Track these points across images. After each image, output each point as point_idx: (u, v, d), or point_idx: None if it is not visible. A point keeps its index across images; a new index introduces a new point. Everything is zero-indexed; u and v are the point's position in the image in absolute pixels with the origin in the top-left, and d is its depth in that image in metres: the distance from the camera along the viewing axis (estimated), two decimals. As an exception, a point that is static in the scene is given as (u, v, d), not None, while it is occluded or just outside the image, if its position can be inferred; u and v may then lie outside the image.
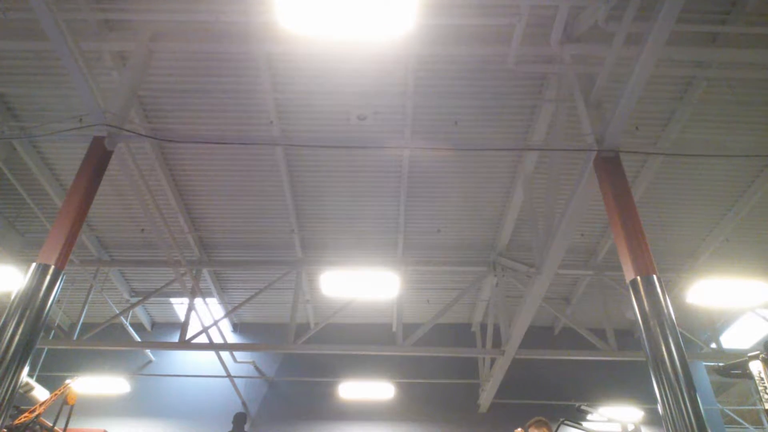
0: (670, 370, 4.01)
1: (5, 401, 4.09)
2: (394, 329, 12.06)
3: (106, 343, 10.93)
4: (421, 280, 11.16)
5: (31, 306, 4.46)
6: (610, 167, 5.36)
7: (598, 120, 5.71)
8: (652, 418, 11.23)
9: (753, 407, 13.46)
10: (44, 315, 4.53)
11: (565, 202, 6.38)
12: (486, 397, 11.06)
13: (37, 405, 8.22)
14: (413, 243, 10.10)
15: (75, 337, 9.77)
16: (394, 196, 9.06)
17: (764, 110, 7.47)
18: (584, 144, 5.70)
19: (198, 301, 10.42)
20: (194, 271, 10.35)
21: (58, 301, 9.90)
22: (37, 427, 8.26)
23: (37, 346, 5.39)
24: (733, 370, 4.95)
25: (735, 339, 12.60)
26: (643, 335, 4.27)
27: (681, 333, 4.44)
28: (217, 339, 10.88)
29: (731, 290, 7.58)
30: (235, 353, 12.05)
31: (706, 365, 12.38)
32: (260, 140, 7.76)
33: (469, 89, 7.31)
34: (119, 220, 9.71)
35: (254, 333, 12.91)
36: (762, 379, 4.62)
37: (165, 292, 10.82)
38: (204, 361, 12.22)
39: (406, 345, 9.26)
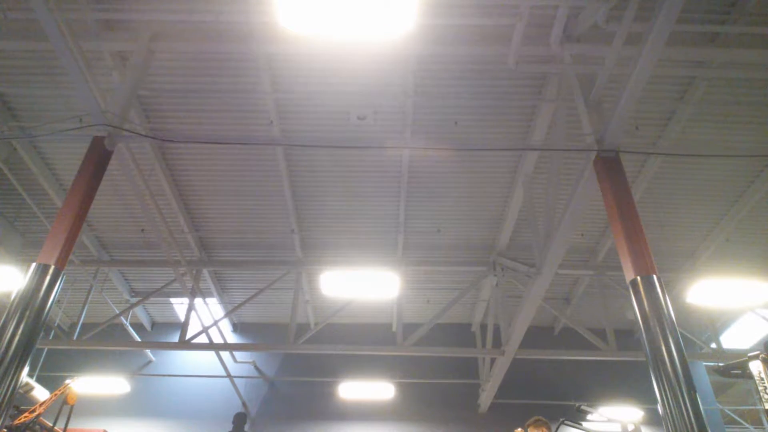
0: (670, 370, 4.01)
1: (5, 401, 4.09)
2: (394, 329, 12.07)
3: (106, 343, 10.93)
4: (421, 280, 11.15)
5: (31, 306, 4.46)
6: (610, 167, 5.36)
7: (598, 120, 5.71)
8: (652, 418, 11.23)
9: (753, 407, 13.46)
10: (44, 315, 4.53)
11: (565, 202, 6.38)
12: (486, 397, 11.06)
13: (37, 405, 8.22)
14: (413, 243, 10.10)
15: (75, 337, 9.77)
16: (394, 196, 9.06)
17: (764, 110, 7.47)
18: (584, 144, 5.70)
19: (198, 301, 10.42)
20: (194, 271, 10.35)
21: (58, 301, 9.91)
22: (37, 427, 8.26)
23: (37, 346, 5.39)
24: (733, 370, 4.95)
25: (735, 339, 12.60)
26: (643, 335, 4.27)
27: (681, 333, 4.43)
28: (217, 339, 10.88)
29: (731, 290, 7.57)
30: (235, 353, 12.06)
31: (706, 365, 12.38)
32: (260, 140, 7.77)
33: (469, 89, 7.31)
34: (119, 220, 9.71)
35: (254, 333, 12.91)
36: (762, 379, 4.62)
37: (165, 292, 10.82)
38: (204, 361, 12.22)
39: (406, 345, 9.26)
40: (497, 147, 8.07)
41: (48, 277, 4.64)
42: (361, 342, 12.33)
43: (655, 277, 4.48)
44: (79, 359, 12.22)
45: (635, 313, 4.42)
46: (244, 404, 11.69)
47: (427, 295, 11.55)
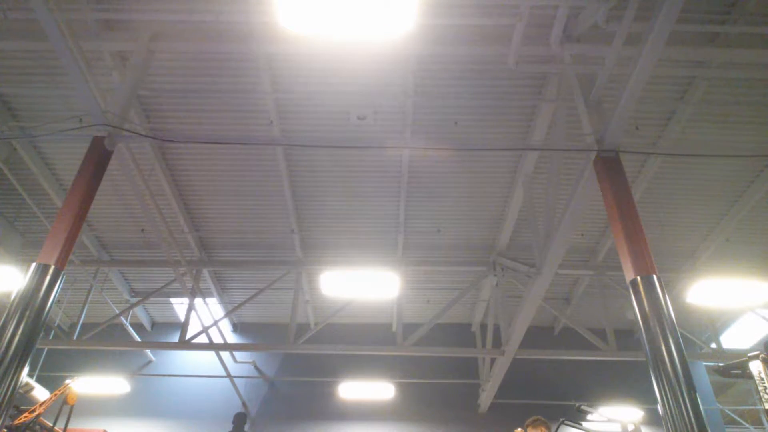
0: (670, 370, 4.01)
1: (5, 401, 4.09)
2: (394, 329, 12.06)
3: (106, 343, 10.95)
4: (421, 280, 11.15)
5: (31, 306, 4.46)
6: (610, 167, 5.36)
7: (598, 120, 5.71)
8: (652, 418, 11.22)
9: (753, 407, 13.45)
10: (44, 315, 4.53)
11: (565, 202, 6.38)
12: (486, 397, 11.06)
13: (37, 405, 8.23)
14: (413, 243, 10.10)
15: (75, 337, 9.77)
16: (394, 196, 9.06)
17: (764, 110, 7.47)
18: (584, 144, 5.70)
19: (198, 301, 10.42)
20: (194, 271, 10.35)
21: (58, 301, 9.89)
22: (37, 427, 8.26)
23: (37, 346, 5.39)
24: (733, 370, 4.94)
25: (735, 339, 12.59)
26: (643, 335, 4.27)
27: (681, 333, 4.43)
28: (217, 339, 10.87)
29: (731, 290, 7.58)
30: (235, 353, 12.05)
31: (706, 365, 12.38)
32: (260, 140, 7.77)
33: (469, 89, 7.31)
34: (119, 220, 9.71)
35: (254, 333, 12.91)
36: (762, 379, 4.61)
37: (165, 292, 10.82)
38: (204, 361, 12.22)
39: (406, 345, 9.26)
40: (497, 147, 8.07)
41: (48, 277, 4.64)
42: (361, 342, 12.33)
43: (655, 277, 4.48)
44: (79, 359, 12.21)
45: (635, 313, 4.42)
46: (244, 404, 11.69)
47: (427, 295, 11.55)
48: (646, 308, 4.33)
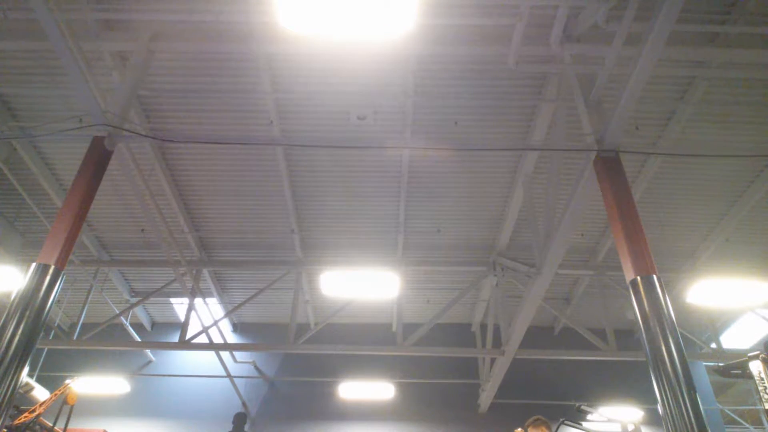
0: (670, 370, 4.01)
1: (5, 401, 4.09)
2: (394, 329, 12.07)
3: (106, 343, 10.95)
4: (421, 280, 11.15)
5: (31, 306, 4.46)
6: (610, 167, 5.36)
7: (598, 120, 5.71)
8: (652, 418, 11.23)
9: (753, 407, 13.46)
10: (44, 315, 4.53)
11: (565, 202, 6.38)
12: (486, 397, 11.06)
13: (37, 405, 8.23)
14: (413, 243, 10.10)
15: (75, 337, 9.77)
16: (394, 196, 9.06)
17: (764, 110, 7.47)
18: (584, 144, 5.70)
19: (198, 301, 10.42)
20: (194, 271, 10.35)
21: (58, 301, 9.90)
22: (37, 427, 8.27)
23: (37, 346, 5.39)
24: (733, 370, 4.94)
25: (735, 339, 12.59)
26: (643, 335, 4.27)
27: (681, 333, 4.43)
28: (217, 339, 10.88)
29: (731, 290, 7.57)
30: (235, 353, 12.05)
31: (706, 365, 12.38)
32: (260, 140, 7.77)
33: (469, 89, 7.31)
34: (119, 220, 9.71)
35: (254, 333, 12.91)
36: (762, 379, 4.61)
37: (165, 292, 10.82)
38: (204, 361, 12.22)
39: (406, 345, 9.26)
40: (497, 147, 8.07)
41: (48, 277, 4.64)
42: (361, 342, 12.33)
43: (655, 277, 4.48)
44: (79, 359, 12.22)
45: (635, 313, 4.42)
46: (244, 404, 11.69)
47: (427, 295, 11.55)
48: (646, 308, 4.33)
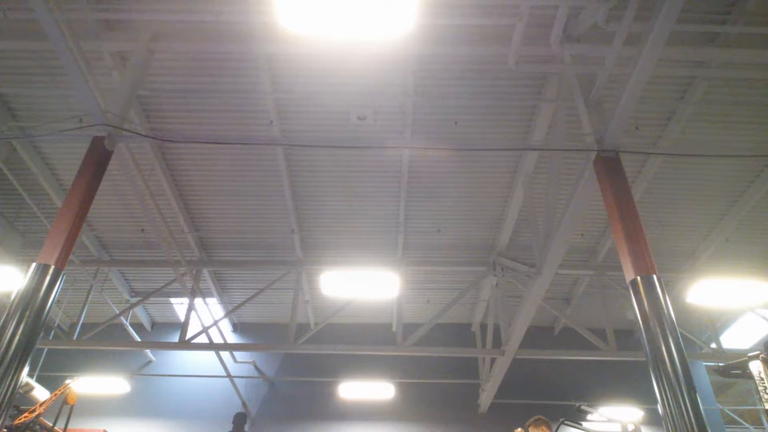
0: (670, 370, 4.01)
1: (5, 401, 4.09)
2: (394, 329, 12.07)
3: (106, 343, 10.94)
4: (421, 280, 11.15)
5: (31, 306, 4.46)
6: (610, 167, 5.36)
7: (598, 120, 5.71)
8: (652, 418, 11.23)
9: (753, 407, 13.46)
10: (44, 315, 4.53)
11: (565, 202, 6.38)
12: (486, 397, 11.06)
13: (37, 405, 8.22)
14: (413, 243, 10.10)
15: (75, 337, 9.77)
16: (394, 196, 9.06)
17: (764, 110, 7.47)
18: (584, 144, 5.70)
19: (198, 301, 10.42)
20: (194, 271, 10.35)
21: (58, 301, 9.91)
22: (37, 427, 8.26)
23: (37, 346, 5.39)
24: (733, 370, 4.94)
25: (735, 339, 12.59)
26: (643, 335, 4.27)
27: (681, 333, 4.43)
28: (217, 339, 10.88)
29: (731, 290, 7.57)
30: (235, 353, 12.05)
31: (706, 365, 12.38)
32: (260, 140, 7.77)
33: (469, 89, 7.31)
34: (119, 220, 9.71)
35: (254, 333, 12.91)
36: (762, 379, 4.61)
37: (165, 292, 10.82)
38: (204, 361, 12.22)
39: (406, 345, 9.26)
40: (497, 147, 8.07)
41: (48, 277, 4.64)
42: (361, 342, 12.33)
43: (655, 277, 4.48)
44: (79, 359, 12.22)
45: (635, 313, 4.42)
46: (244, 404, 11.69)
47: (427, 295, 11.55)
48: (646, 308, 4.33)
